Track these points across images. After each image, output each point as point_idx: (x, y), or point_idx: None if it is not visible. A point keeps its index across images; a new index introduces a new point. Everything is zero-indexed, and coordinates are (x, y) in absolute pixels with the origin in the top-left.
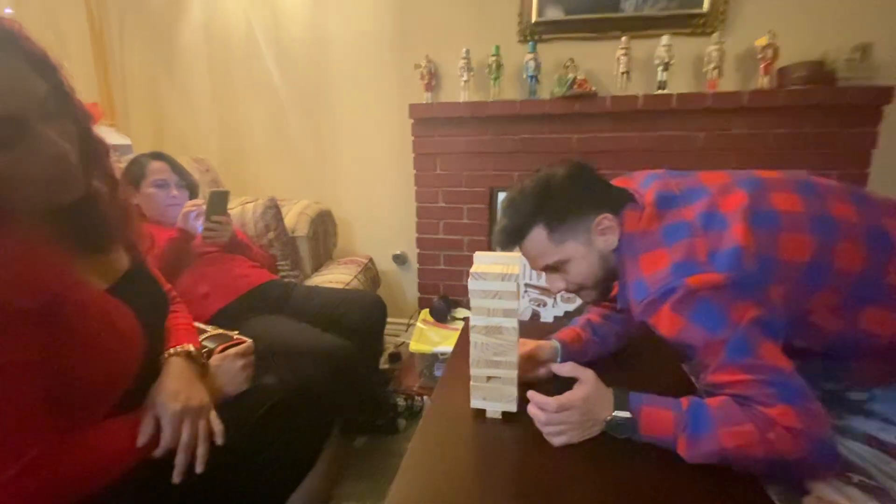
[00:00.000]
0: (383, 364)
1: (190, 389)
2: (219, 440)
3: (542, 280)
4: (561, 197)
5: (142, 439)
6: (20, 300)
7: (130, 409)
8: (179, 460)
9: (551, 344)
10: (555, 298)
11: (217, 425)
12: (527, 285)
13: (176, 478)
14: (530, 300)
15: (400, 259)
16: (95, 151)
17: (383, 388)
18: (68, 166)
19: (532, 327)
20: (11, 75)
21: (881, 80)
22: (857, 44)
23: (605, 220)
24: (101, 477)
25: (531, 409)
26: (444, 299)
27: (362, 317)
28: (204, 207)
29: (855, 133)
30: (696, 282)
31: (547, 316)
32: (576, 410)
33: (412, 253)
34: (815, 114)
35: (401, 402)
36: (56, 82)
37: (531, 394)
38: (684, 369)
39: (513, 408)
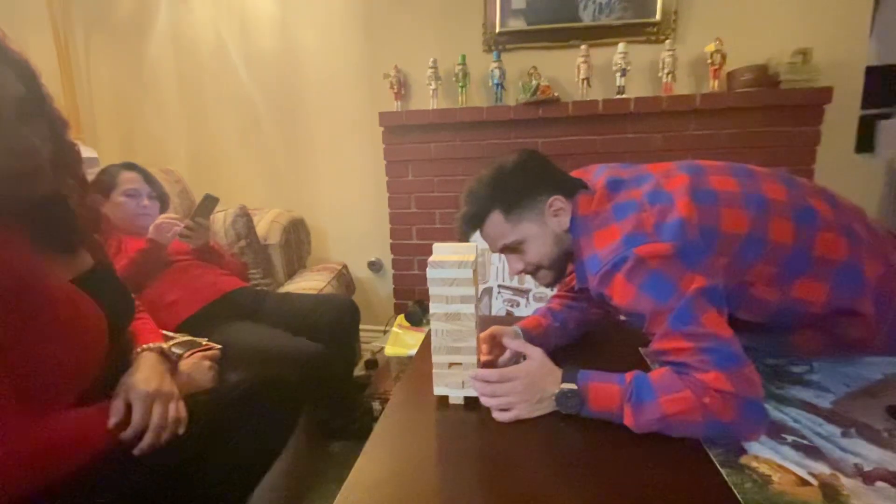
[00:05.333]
0: (360, 371)
1: (161, 379)
2: (180, 429)
3: (516, 281)
4: (514, 181)
5: (112, 420)
6: None
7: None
8: (147, 440)
9: (513, 329)
10: (527, 298)
11: (182, 413)
12: (500, 286)
13: (137, 451)
14: (504, 301)
15: (375, 266)
16: (68, 155)
17: (360, 393)
18: (39, 162)
19: (506, 322)
20: None
21: (821, 82)
22: (798, 48)
23: (558, 201)
24: (71, 457)
25: (474, 384)
26: (420, 303)
27: (335, 320)
28: (180, 226)
29: (799, 131)
30: (644, 252)
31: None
32: (519, 382)
33: (387, 259)
34: (762, 114)
35: (377, 406)
36: (33, 87)
37: (473, 371)
38: (642, 353)
39: (474, 392)
